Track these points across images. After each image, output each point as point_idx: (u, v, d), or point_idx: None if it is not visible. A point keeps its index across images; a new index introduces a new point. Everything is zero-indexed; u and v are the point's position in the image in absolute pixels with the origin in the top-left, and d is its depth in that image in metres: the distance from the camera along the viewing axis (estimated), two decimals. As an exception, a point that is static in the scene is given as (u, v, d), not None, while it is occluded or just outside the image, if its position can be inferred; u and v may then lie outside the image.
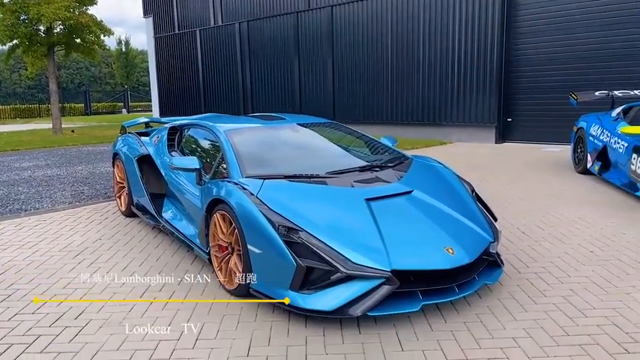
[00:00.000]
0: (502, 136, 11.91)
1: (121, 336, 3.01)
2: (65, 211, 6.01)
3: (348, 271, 2.91)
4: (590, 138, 7.16)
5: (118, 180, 5.74)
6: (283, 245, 3.03)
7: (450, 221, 3.42)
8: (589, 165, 7.21)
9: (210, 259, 3.80)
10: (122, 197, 5.68)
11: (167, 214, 4.61)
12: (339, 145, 4.54)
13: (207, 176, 4.07)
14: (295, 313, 3.16)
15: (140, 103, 45.44)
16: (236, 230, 3.35)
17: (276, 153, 4.21)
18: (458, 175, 4.12)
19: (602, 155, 6.81)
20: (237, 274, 3.39)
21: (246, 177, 3.69)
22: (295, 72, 15.45)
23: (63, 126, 17.83)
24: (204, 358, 2.76)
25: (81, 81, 66.30)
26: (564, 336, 2.86)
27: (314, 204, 3.37)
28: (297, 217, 3.18)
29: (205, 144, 4.68)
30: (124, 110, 40.63)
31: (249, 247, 3.22)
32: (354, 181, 3.67)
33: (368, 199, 3.42)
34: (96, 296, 3.59)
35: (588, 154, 7.22)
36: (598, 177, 7.01)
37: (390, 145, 4.70)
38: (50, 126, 19.50)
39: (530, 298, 3.35)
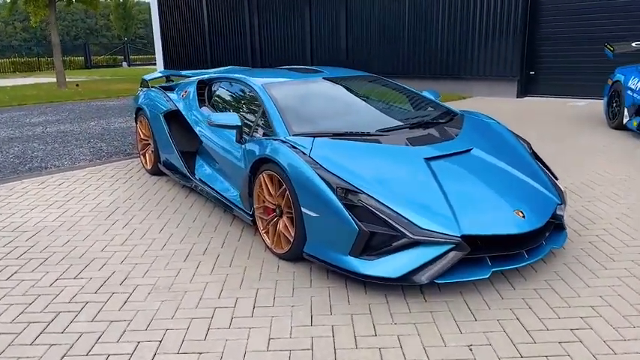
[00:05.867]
0: (524, 90, 11.54)
1: (174, 303, 2.86)
2: (87, 168, 5.80)
3: (415, 237, 2.72)
4: (629, 92, 6.85)
5: (142, 137, 5.50)
6: (344, 209, 2.83)
7: (516, 182, 3.20)
8: (625, 120, 6.93)
9: (253, 221, 3.62)
10: (147, 155, 5.45)
11: (201, 173, 4.40)
12: (383, 100, 4.27)
13: (247, 134, 3.83)
14: (352, 279, 3.01)
15: (140, 57, 44.40)
16: (287, 192, 3.15)
17: (320, 109, 3.95)
18: (513, 132, 3.88)
19: (643, 110, 6.53)
20: (289, 238, 3.22)
21: (293, 135, 3.45)
22: (307, 22, 14.85)
23: (66, 80, 17.37)
24: (267, 327, 2.61)
25: (77, 33, 64.70)
26: (645, 304, 2.70)
27: (371, 164, 3.14)
28: (355, 178, 2.97)
29: (239, 99, 4.41)
30: (124, 64, 39.77)
31: (303, 210, 3.03)
32: (408, 139, 3.43)
33: (427, 159, 3.20)
34: (137, 260, 3.44)
35: (625, 109, 6.93)
36: (636, 132, 6.75)
37: (434, 99, 4.43)
38: (52, 80, 19.06)
39: (598, 262, 3.18)
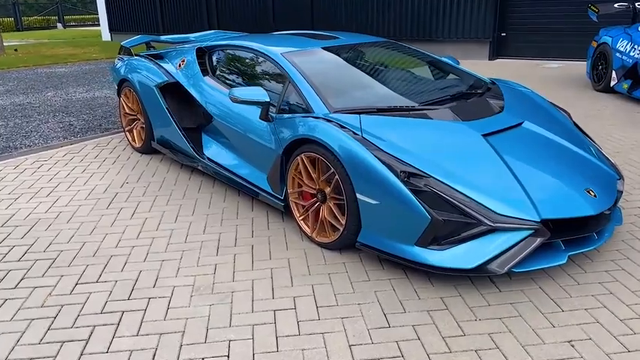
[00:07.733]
0: (496, 52, 11.48)
1: (225, 307, 2.54)
2: (64, 147, 5.22)
3: (494, 224, 2.51)
4: (617, 54, 6.85)
5: (128, 111, 4.95)
6: (411, 195, 2.56)
7: (576, 158, 3.03)
8: (613, 83, 6.96)
9: (285, 207, 3.30)
10: (135, 131, 4.94)
11: (211, 152, 3.98)
12: (411, 69, 3.96)
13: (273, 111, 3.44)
14: (413, 269, 2.78)
15: (74, 17, 41.23)
16: (336, 177, 2.84)
17: (351, 80, 3.59)
18: (551, 102, 3.70)
19: (633, 72, 6.55)
20: (336, 227, 2.94)
21: (334, 112, 3.11)
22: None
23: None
24: (340, 331, 2.35)
25: (-1, -9, 59.20)
26: None
27: (427, 143, 2.87)
28: (417, 160, 2.70)
29: (253, 70, 3.98)
30: (59, 25, 36.95)
31: (359, 197, 2.74)
32: (457, 113, 3.17)
33: (484, 135, 2.97)
34: (162, 255, 3.06)
35: (613, 72, 6.95)
36: (625, 95, 6.80)
37: (459, 66, 4.17)
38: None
39: (655, 238, 3.11)
